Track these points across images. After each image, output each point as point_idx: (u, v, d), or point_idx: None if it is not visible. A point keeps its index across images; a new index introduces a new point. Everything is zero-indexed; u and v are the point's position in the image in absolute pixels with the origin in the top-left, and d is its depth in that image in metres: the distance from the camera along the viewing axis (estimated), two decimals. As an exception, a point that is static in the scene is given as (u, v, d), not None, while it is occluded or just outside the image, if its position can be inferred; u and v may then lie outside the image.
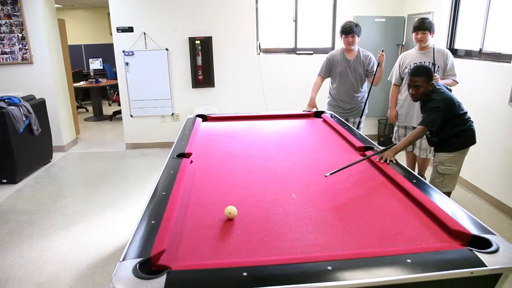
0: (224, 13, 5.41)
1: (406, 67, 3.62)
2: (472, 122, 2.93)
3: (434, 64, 3.46)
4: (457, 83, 3.52)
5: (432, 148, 3.33)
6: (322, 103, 4.17)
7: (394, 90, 3.80)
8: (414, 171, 3.70)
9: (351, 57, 3.86)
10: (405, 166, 2.20)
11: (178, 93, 5.69)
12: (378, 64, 3.72)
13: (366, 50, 3.94)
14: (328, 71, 3.96)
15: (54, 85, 5.45)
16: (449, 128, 2.80)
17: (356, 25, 3.76)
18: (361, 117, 4.00)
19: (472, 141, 2.94)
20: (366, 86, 4.02)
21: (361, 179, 2.06)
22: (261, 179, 2.07)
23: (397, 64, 3.76)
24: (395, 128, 3.87)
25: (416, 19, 3.60)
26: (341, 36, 3.80)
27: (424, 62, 3.51)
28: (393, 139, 3.97)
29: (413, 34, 3.54)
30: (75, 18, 10.20)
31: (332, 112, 3.67)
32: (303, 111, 3.76)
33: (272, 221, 1.59)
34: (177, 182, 1.91)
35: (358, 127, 3.95)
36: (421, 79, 2.67)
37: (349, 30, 3.71)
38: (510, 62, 3.46)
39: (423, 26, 3.44)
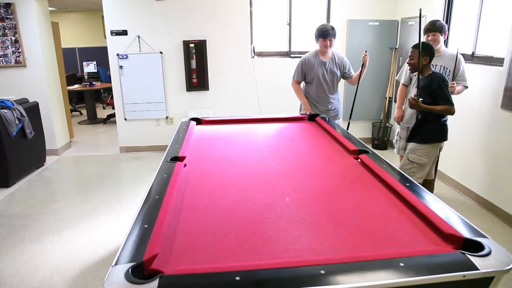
0: (218, 17, 5.42)
1: None
2: (447, 119, 3.17)
3: (452, 69, 3.44)
4: (467, 87, 3.52)
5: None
6: (297, 106, 4.20)
7: (402, 89, 3.75)
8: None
9: (326, 59, 3.87)
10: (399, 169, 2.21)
11: (172, 97, 5.68)
12: (362, 64, 3.74)
13: (339, 52, 3.98)
14: (303, 75, 3.95)
15: (47, 88, 5.42)
16: (432, 118, 3.07)
17: (332, 28, 3.77)
18: (337, 119, 4.04)
19: (445, 136, 3.19)
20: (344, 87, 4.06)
21: (354, 182, 2.06)
22: (254, 183, 2.07)
23: (406, 64, 3.77)
24: (397, 130, 3.83)
25: (428, 22, 3.58)
26: (318, 39, 3.80)
27: (436, 66, 3.49)
28: (394, 141, 3.96)
29: (424, 36, 3.53)
30: (69, 21, 10.18)
31: (326, 116, 3.68)
32: (300, 113, 3.78)
33: (265, 225, 1.59)
34: (170, 186, 1.90)
35: None
36: (417, 51, 3.00)
37: (327, 34, 3.72)
38: (502, 66, 3.49)
39: (434, 28, 3.44)
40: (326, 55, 3.87)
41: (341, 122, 4.11)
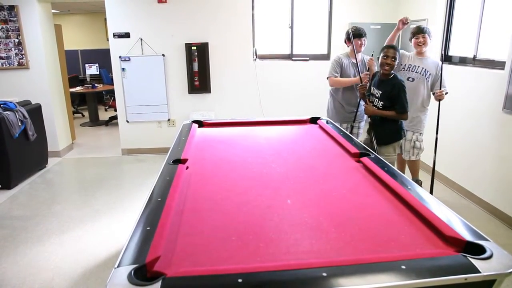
0: (220, 19, 5.43)
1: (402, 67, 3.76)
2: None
3: (433, 73, 3.63)
4: (446, 93, 3.59)
5: (418, 150, 3.80)
6: (323, 110, 4.20)
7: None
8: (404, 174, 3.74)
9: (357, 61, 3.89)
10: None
11: (174, 99, 5.69)
12: (368, 69, 3.77)
13: (367, 56, 4.01)
14: (340, 71, 3.93)
15: (50, 90, 5.44)
16: (389, 119, 3.28)
17: (363, 29, 3.88)
18: (361, 122, 4.06)
19: (403, 135, 3.43)
20: None
21: (356, 185, 2.07)
22: (256, 185, 2.07)
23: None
24: None
25: (412, 26, 3.75)
26: (353, 39, 3.79)
27: (418, 67, 3.64)
28: None
29: (414, 39, 3.66)
30: (72, 23, 10.21)
31: (328, 118, 3.68)
32: (363, 75, 3.76)
33: (267, 227, 1.59)
34: (172, 188, 1.91)
35: (358, 131, 4.08)
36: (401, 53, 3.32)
37: (362, 33, 3.81)
38: (503, 69, 3.49)
39: (424, 30, 3.61)
40: (357, 56, 3.89)
41: (363, 126, 4.09)
